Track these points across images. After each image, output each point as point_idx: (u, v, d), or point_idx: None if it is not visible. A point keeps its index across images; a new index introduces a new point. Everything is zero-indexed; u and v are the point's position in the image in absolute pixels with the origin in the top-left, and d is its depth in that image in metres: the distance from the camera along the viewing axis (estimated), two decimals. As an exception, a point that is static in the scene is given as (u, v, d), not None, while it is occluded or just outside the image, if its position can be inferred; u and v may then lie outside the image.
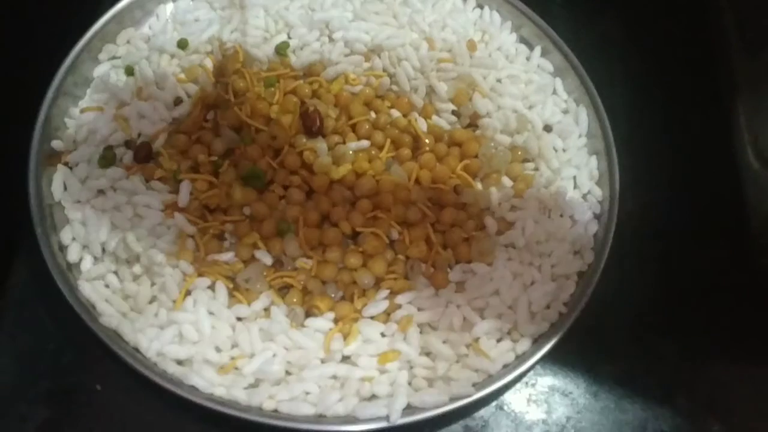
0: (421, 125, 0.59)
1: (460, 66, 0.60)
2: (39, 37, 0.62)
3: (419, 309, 0.52)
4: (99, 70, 0.60)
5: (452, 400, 0.49)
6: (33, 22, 0.62)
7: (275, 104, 0.58)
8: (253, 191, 0.55)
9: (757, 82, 0.58)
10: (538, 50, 0.63)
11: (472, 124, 0.60)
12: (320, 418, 0.48)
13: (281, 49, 0.60)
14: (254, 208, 0.54)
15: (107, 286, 0.52)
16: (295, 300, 0.52)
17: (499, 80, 0.61)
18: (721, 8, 0.62)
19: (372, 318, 0.52)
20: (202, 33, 0.61)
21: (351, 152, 0.57)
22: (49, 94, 0.57)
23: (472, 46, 0.61)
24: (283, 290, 0.52)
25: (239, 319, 0.51)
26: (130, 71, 0.59)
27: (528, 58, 0.63)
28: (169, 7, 0.64)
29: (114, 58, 0.61)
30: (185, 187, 0.54)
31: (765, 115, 0.57)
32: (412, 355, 0.50)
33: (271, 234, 0.54)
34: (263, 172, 0.55)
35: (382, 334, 0.51)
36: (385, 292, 0.52)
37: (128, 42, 0.61)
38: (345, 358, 0.50)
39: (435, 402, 0.48)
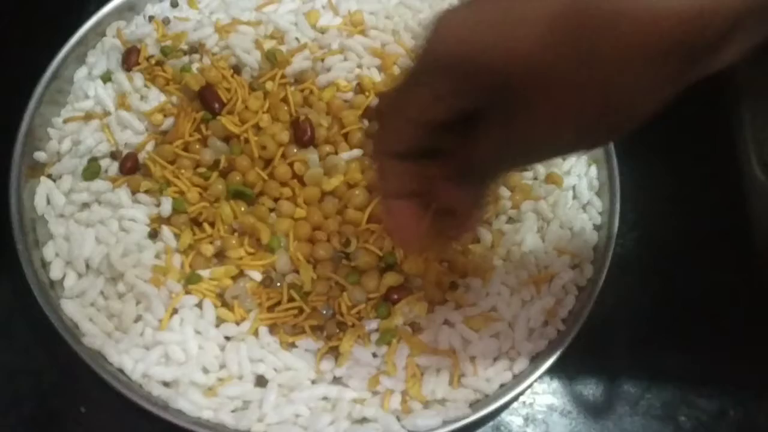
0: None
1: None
2: (21, 43, 0.60)
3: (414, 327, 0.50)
4: (81, 77, 0.58)
5: (447, 422, 0.47)
6: (14, 28, 0.60)
7: (265, 113, 0.56)
8: (241, 204, 0.53)
9: (763, 88, 0.56)
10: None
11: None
12: (311, 442, 0.47)
13: (271, 55, 0.58)
14: (243, 222, 0.53)
15: (91, 304, 0.50)
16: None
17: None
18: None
19: (364, 336, 0.50)
20: (188, 37, 0.58)
21: (343, 163, 0.55)
22: (32, 103, 0.55)
23: None
24: (273, 308, 0.51)
25: (227, 338, 0.49)
26: (108, 78, 0.57)
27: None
28: (156, 10, 0.62)
29: (98, 64, 0.59)
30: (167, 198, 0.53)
31: (771, 123, 0.55)
32: (404, 376, 0.48)
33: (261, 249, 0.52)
34: (251, 189, 0.53)
35: (374, 354, 0.49)
36: (377, 310, 0.51)
37: (113, 47, 0.59)
38: (336, 380, 0.49)
39: (429, 425, 0.47)
